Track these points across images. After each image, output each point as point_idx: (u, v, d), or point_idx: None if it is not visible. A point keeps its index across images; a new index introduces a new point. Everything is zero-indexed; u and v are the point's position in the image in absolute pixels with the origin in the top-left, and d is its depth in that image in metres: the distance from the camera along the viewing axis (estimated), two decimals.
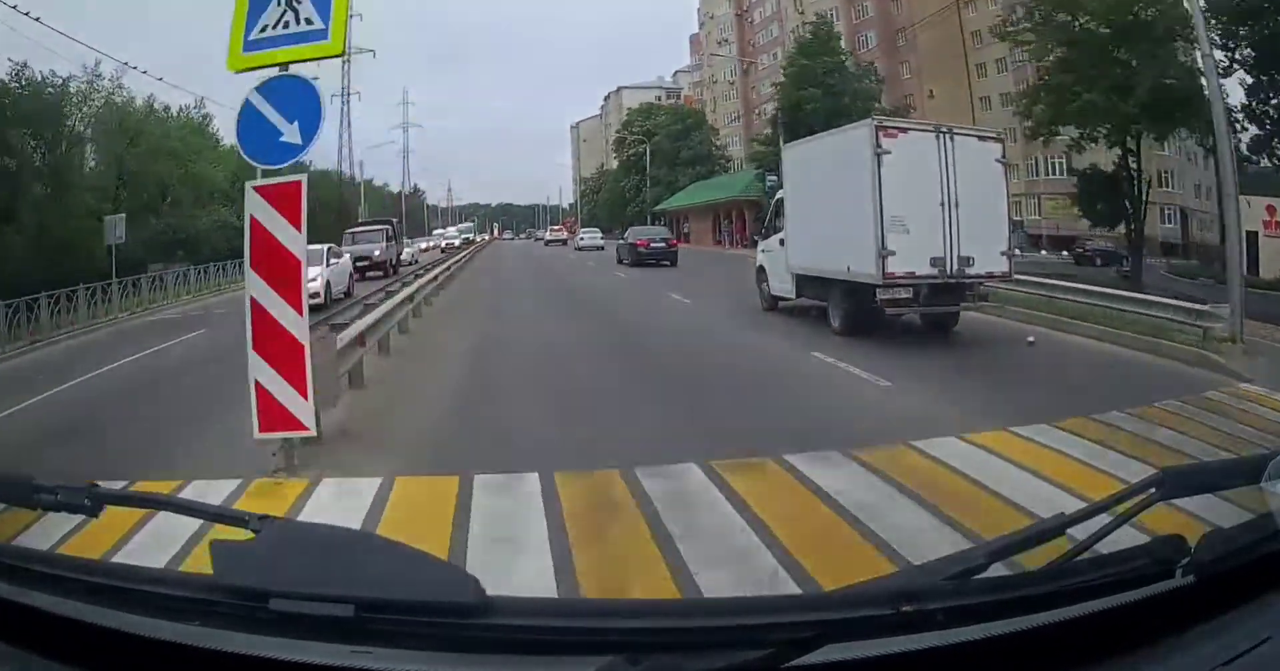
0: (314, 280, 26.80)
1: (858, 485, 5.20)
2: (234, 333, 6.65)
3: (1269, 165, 25.49)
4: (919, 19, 45.91)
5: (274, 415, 5.97)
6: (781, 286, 14.32)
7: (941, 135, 11.15)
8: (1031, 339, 11.59)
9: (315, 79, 6.34)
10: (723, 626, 1.00)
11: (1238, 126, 22.43)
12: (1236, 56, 23.51)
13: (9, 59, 31.68)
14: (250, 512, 1.18)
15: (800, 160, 14.14)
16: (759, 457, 5.77)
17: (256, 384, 6.00)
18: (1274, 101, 24.34)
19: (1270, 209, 24.98)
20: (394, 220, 36.14)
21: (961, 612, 1.00)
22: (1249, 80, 24.23)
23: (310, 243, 6.85)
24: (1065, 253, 34.98)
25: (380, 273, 27.40)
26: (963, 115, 37.61)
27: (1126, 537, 1.11)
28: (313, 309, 6.99)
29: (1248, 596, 1.06)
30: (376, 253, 29.22)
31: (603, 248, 42.28)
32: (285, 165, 6.23)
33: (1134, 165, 25.64)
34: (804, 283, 13.41)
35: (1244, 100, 24.22)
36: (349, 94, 77.55)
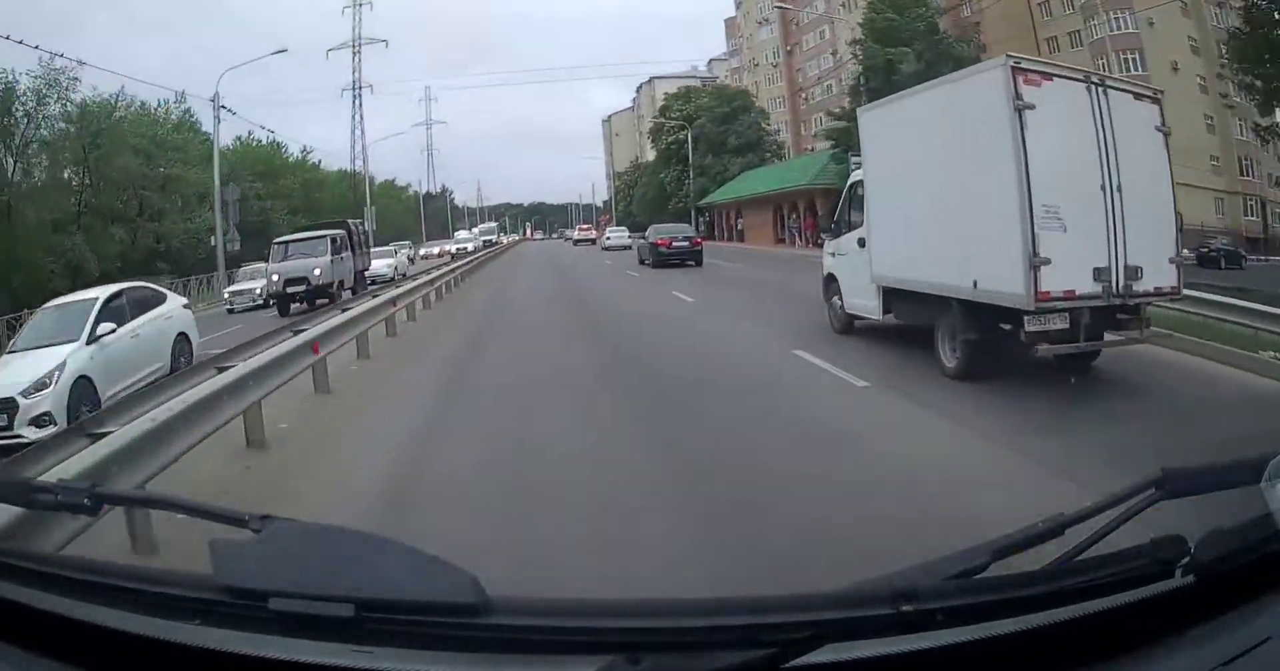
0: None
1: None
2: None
3: None
4: None
5: None
6: (860, 302, 10.63)
7: (1094, 88, 7.69)
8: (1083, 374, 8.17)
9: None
10: (723, 626, 1.00)
11: None
12: None
13: None
14: (250, 512, 1.19)
15: (889, 127, 9.96)
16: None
17: None
18: None
19: None
20: (353, 223, 26.31)
21: (961, 612, 1.00)
22: None
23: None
24: (1187, 252, 29.33)
25: (326, 299, 20.14)
26: None
27: (1126, 538, 1.11)
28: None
29: (1248, 596, 1.06)
30: (317, 272, 21.14)
31: (630, 247, 38.78)
32: None
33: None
34: (896, 298, 9.74)
35: None
36: (360, 88, 74.04)
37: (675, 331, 13.11)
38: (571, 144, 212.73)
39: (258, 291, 24.40)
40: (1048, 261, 7.28)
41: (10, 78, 32.18)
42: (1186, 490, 1.14)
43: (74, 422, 6.57)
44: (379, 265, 29.95)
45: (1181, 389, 8.04)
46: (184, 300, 13.13)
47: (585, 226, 74.51)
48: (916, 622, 0.99)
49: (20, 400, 8.43)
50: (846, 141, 30.98)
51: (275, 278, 21.58)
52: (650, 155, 79.18)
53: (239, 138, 54.72)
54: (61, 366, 8.85)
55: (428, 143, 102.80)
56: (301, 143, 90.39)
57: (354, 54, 73.00)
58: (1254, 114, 29.14)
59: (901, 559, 1.14)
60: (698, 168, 58.97)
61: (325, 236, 22.90)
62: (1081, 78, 7.91)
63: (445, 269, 23.92)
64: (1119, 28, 37.06)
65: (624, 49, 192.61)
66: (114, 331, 9.77)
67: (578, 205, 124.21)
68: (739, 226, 52.04)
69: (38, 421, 8.35)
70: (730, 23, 78.32)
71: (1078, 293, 7.43)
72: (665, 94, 70.61)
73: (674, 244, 28.74)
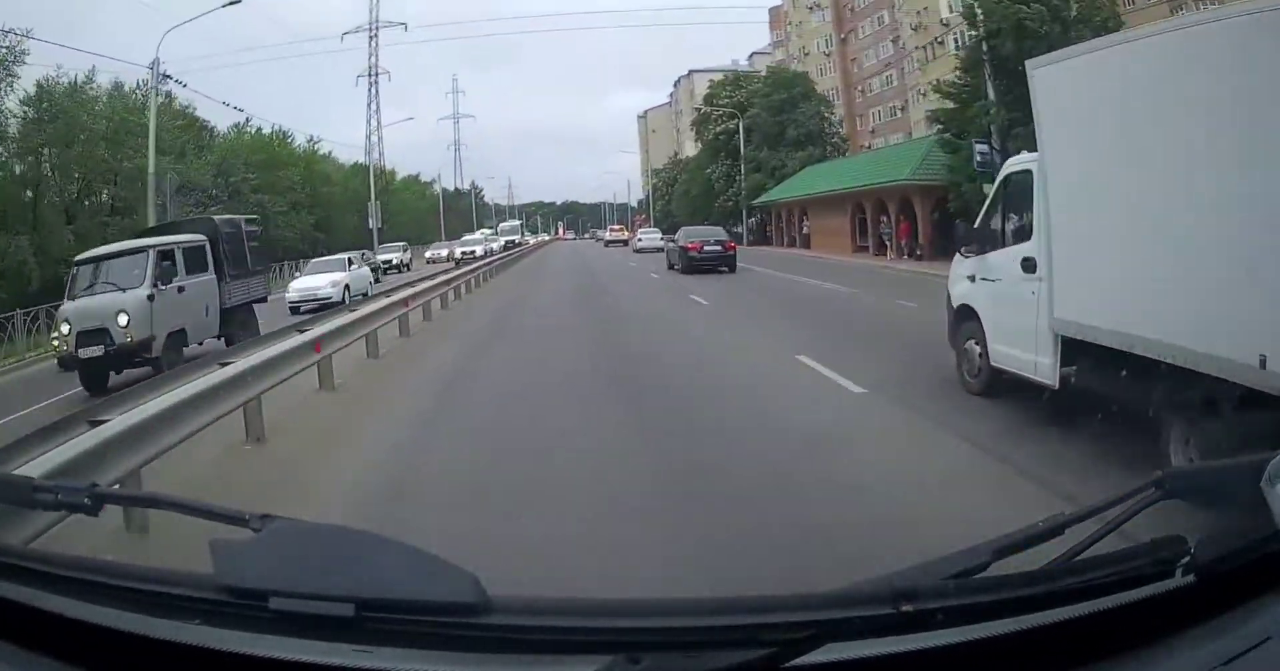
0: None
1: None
2: None
3: None
4: None
5: None
6: (1017, 353, 6.99)
7: None
8: None
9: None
10: (723, 625, 1.00)
11: None
12: None
13: None
14: (250, 512, 1.19)
15: (1093, 88, 6.14)
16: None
17: None
18: None
19: None
20: (221, 219, 15.80)
21: (961, 612, 1.01)
22: None
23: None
24: None
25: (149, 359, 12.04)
26: None
27: (1126, 538, 1.11)
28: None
29: (1248, 596, 1.06)
30: (122, 321, 11.95)
31: (662, 249, 35.70)
32: None
33: None
34: (1084, 356, 6.14)
35: None
36: (376, 74, 67.90)
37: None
38: (605, 142, 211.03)
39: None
40: None
41: None
42: (1186, 490, 1.14)
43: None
44: (311, 286, 22.77)
45: None
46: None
47: (617, 227, 72.73)
48: (916, 622, 0.99)
49: None
50: (961, 125, 26.41)
51: (65, 328, 12.32)
52: (690, 151, 74.79)
53: (236, 125, 49.38)
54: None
55: (454, 136, 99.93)
56: (309, 133, 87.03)
57: (370, 37, 68.07)
58: None
59: (901, 559, 1.14)
60: (751, 162, 51.55)
61: (146, 250, 12.78)
62: None
63: (429, 284, 16.78)
64: None
65: (660, 45, 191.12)
66: None
67: (611, 205, 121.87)
68: (804, 230, 43.50)
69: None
70: (775, 12, 70.84)
71: None
72: (711, 82, 62.60)
73: (705, 248, 27.07)
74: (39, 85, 31.04)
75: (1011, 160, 7.97)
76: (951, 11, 41.45)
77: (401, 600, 1.01)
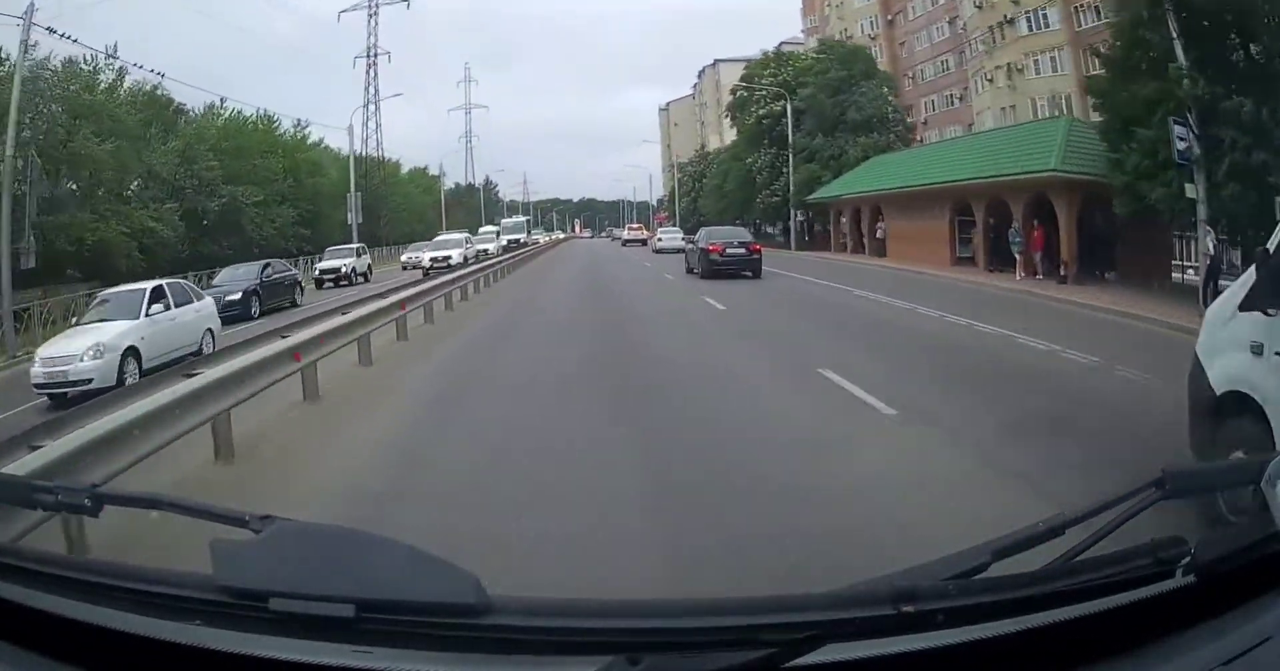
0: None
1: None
2: None
3: None
4: None
5: None
6: None
7: None
8: None
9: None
10: (723, 626, 1.00)
11: None
12: None
13: None
14: (250, 512, 1.19)
15: None
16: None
17: None
18: None
19: None
20: None
21: (961, 612, 1.01)
22: None
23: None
24: None
25: None
26: None
27: (1126, 537, 1.11)
28: None
29: (1248, 596, 1.06)
30: None
31: (683, 250, 32.54)
32: None
33: None
34: None
35: None
36: (376, 54, 59.00)
37: None
38: (623, 139, 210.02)
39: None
40: None
41: None
42: (1186, 490, 1.14)
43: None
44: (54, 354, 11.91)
45: None
46: None
47: (636, 226, 68.57)
48: (917, 623, 0.99)
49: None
50: (1122, 106, 18.72)
51: None
52: (716, 144, 69.20)
53: (211, 106, 42.94)
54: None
55: (466, 127, 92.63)
56: (296, 116, 77.05)
57: (370, 16, 60.45)
58: None
59: (901, 559, 1.14)
60: (802, 151, 43.05)
61: None
62: None
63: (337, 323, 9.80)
64: None
65: (679, 40, 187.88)
66: None
67: (629, 202, 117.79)
68: (877, 233, 33.67)
69: None
70: None
71: None
72: (748, 64, 53.40)
73: (728, 251, 24.65)
74: None
75: None
76: None
77: (401, 601, 1.01)
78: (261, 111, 46.23)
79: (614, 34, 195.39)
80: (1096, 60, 22.91)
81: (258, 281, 21.01)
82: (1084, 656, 1.03)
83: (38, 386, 11.48)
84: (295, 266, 28.06)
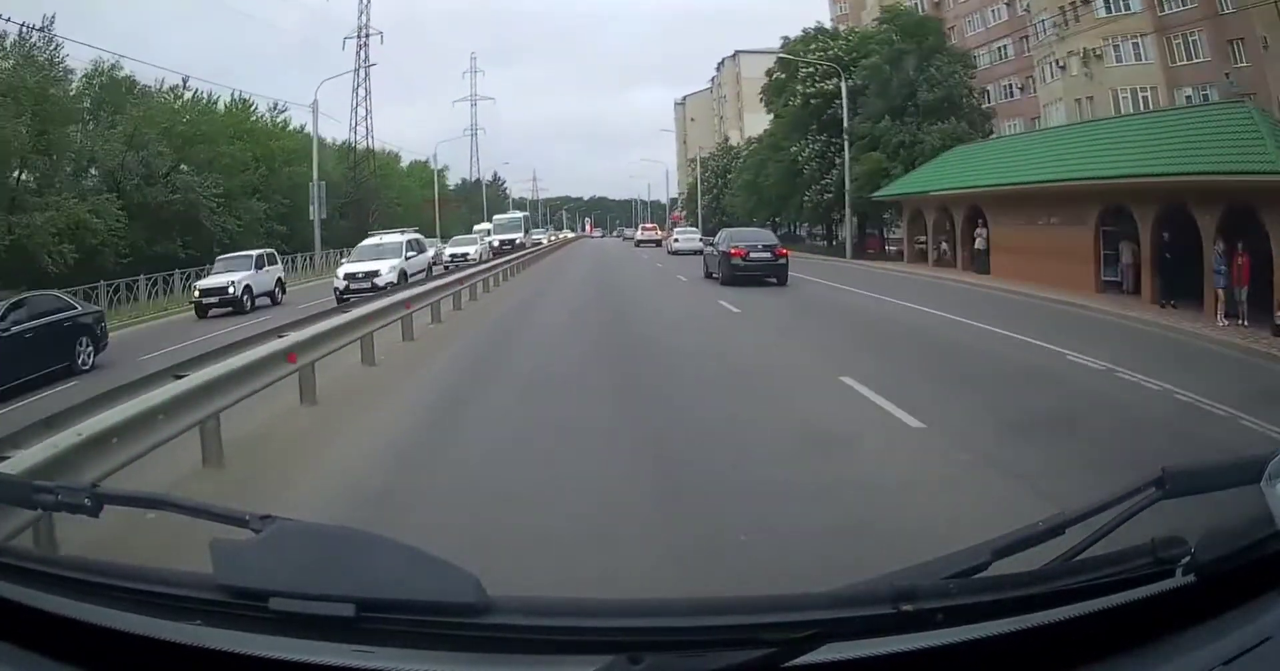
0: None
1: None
2: None
3: None
4: None
5: None
6: None
7: None
8: None
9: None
10: (723, 625, 1.00)
11: None
12: None
13: None
14: (251, 512, 1.19)
15: None
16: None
17: None
18: None
19: None
20: None
21: (961, 612, 1.01)
22: None
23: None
24: None
25: None
26: None
27: (1126, 537, 1.11)
28: None
29: (1248, 596, 1.06)
30: None
31: (701, 252, 29.70)
32: None
33: None
34: None
35: None
36: (367, 34, 54.22)
37: None
38: (635, 137, 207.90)
39: None
40: None
41: None
42: (1186, 490, 1.14)
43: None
44: None
45: None
46: None
47: (650, 225, 64.70)
48: (917, 622, 0.99)
49: None
50: None
51: None
52: (737, 137, 64.28)
53: (173, 88, 37.68)
54: None
55: (471, 120, 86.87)
56: (272, 99, 65.17)
57: None
58: None
59: (901, 559, 1.14)
60: (862, 137, 34.66)
61: None
62: None
63: None
64: None
65: (694, 35, 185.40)
66: None
67: (642, 201, 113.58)
68: (975, 244, 26.09)
69: None
70: None
71: None
72: (786, 38, 43.53)
73: (752, 255, 22.32)
74: None
75: None
76: None
77: (401, 600, 1.01)
78: (237, 94, 41.86)
79: (621, 33, 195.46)
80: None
81: None
82: (1084, 656, 1.03)
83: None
84: (268, 273, 23.09)
